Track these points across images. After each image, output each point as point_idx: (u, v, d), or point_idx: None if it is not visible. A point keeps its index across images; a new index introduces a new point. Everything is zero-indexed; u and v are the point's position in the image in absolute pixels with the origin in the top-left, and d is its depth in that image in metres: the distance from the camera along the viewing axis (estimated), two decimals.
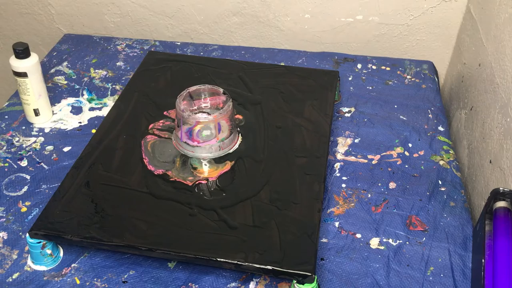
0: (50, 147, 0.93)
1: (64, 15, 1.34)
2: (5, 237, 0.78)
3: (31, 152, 0.92)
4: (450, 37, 1.20)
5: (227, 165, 0.81)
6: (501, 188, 0.71)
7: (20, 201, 0.83)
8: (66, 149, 0.92)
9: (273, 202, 0.75)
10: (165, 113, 0.92)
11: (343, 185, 0.86)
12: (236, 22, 1.28)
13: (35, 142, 0.94)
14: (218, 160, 0.82)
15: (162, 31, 1.32)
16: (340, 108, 1.03)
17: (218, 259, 0.67)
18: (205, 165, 0.81)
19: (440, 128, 0.98)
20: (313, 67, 1.13)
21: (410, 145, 0.94)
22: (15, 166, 0.89)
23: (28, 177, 0.87)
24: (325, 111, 0.92)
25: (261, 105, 0.94)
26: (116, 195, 0.76)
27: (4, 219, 0.80)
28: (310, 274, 0.65)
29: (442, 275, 0.73)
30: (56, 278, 0.72)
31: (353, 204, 0.83)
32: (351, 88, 1.09)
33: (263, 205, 0.75)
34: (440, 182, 0.87)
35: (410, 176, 0.88)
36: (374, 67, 1.15)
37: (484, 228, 0.72)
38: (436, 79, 1.13)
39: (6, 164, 0.89)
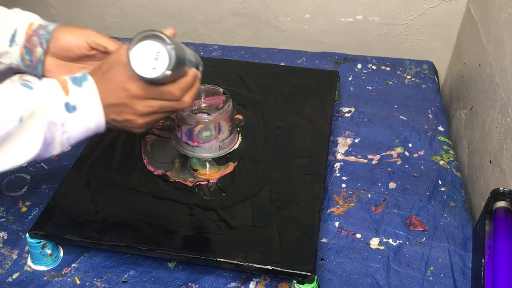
0: None
1: (64, 15, 1.34)
2: (5, 237, 0.78)
3: None
4: (450, 37, 1.20)
5: (230, 167, 0.81)
6: (501, 188, 0.71)
7: (20, 201, 0.83)
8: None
9: (273, 202, 0.75)
10: None
11: (343, 185, 0.86)
12: (236, 22, 1.28)
13: None
14: (218, 161, 0.82)
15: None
16: (340, 108, 1.03)
17: (218, 259, 0.67)
18: (206, 166, 0.81)
19: (440, 128, 0.98)
20: (313, 67, 1.13)
21: (410, 145, 0.94)
22: None
23: (28, 177, 0.87)
24: (325, 111, 0.92)
25: (261, 105, 0.94)
26: (116, 195, 0.76)
27: (4, 219, 0.80)
28: (310, 274, 0.65)
29: (442, 275, 0.73)
30: (56, 278, 0.72)
31: (353, 204, 0.83)
32: (351, 88, 1.09)
33: (263, 205, 0.75)
34: (440, 182, 0.87)
35: (410, 176, 0.88)
36: (374, 67, 1.15)
37: (484, 228, 0.72)
38: (436, 79, 1.13)
39: None
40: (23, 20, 0.69)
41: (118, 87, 0.60)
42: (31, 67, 0.70)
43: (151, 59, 0.56)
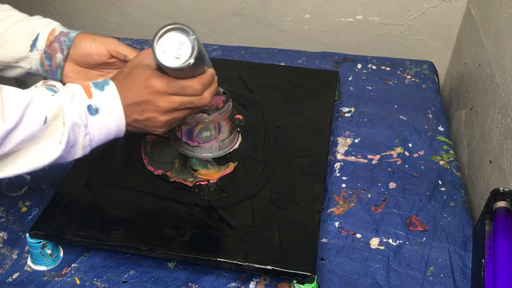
0: None
1: (64, 15, 1.34)
2: (5, 237, 0.78)
3: None
4: (450, 37, 1.20)
5: (230, 167, 0.81)
6: (501, 188, 0.71)
7: (20, 201, 0.83)
8: None
9: (273, 202, 0.75)
10: None
11: (343, 185, 0.86)
12: (236, 22, 1.28)
13: None
14: (218, 161, 0.82)
15: None
16: (340, 108, 1.03)
17: (218, 259, 0.67)
18: (206, 166, 0.81)
19: (440, 128, 0.98)
20: (313, 67, 1.13)
21: (410, 145, 0.94)
22: None
23: (28, 177, 0.87)
24: (325, 111, 0.92)
25: (261, 105, 0.94)
26: (116, 195, 0.76)
27: (4, 219, 0.80)
28: (310, 274, 0.65)
29: (442, 275, 0.73)
30: (56, 278, 0.72)
31: (353, 204, 0.83)
32: (351, 88, 1.09)
33: (263, 205, 0.75)
34: (440, 182, 0.87)
35: (410, 176, 0.88)
36: (374, 67, 1.15)
37: (484, 228, 0.72)
38: (436, 79, 1.13)
39: None
40: (45, 27, 0.71)
41: (140, 85, 0.62)
42: (50, 72, 0.72)
43: (174, 50, 0.60)
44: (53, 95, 0.59)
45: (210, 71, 0.66)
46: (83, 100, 0.60)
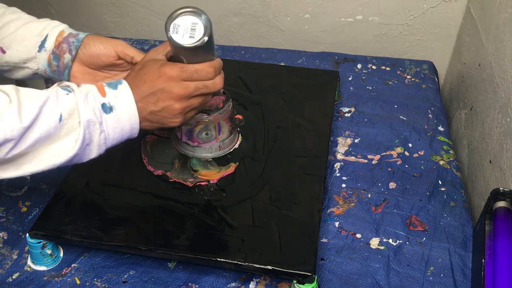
0: None
1: (64, 15, 1.34)
2: (5, 237, 0.78)
3: None
4: (450, 37, 1.20)
5: (231, 167, 0.81)
6: (501, 188, 0.71)
7: (20, 201, 0.83)
8: None
9: (273, 202, 0.75)
10: None
11: (343, 185, 0.86)
12: (236, 22, 1.28)
13: None
14: (218, 161, 0.82)
15: (162, 31, 1.31)
16: (340, 108, 1.03)
17: (218, 259, 0.67)
18: (206, 167, 0.81)
19: (440, 128, 0.98)
20: (313, 67, 1.13)
21: (410, 145, 0.94)
22: None
23: (28, 177, 0.87)
24: (325, 111, 0.92)
25: (261, 105, 0.94)
26: (116, 195, 0.76)
27: (4, 219, 0.80)
28: (310, 274, 0.65)
29: (442, 275, 0.73)
30: (56, 278, 0.72)
31: (353, 204, 0.83)
32: (351, 88, 1.09)
33: (263, 205, 0.75)
34: (440, 182, 0.87)
35: (410, 176, 0.88)
36: (374, 67, 1.15)
37: (484, 228, 0.72)
38: (436, 79, 1.13)
39: None
40: (54, 28, 0.72)
41: (154, 75, 0.64)
42: (57, 72, 0.73)
43: (188, 31, 0.63)
44: (67, 94, 0.60)
45: (218, 59, 0.68)
46: (97, 98, 0.61)
